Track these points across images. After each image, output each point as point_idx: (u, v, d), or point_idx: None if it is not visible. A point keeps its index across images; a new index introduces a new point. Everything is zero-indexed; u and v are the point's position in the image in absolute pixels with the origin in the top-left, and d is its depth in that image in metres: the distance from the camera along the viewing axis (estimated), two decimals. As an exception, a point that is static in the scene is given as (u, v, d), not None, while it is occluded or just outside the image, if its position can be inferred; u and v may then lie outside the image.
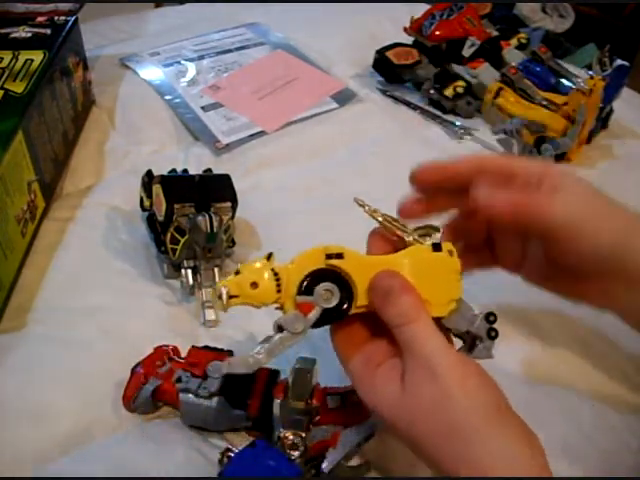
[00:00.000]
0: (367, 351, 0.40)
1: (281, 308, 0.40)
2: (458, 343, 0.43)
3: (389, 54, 0.92)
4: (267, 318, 0.59)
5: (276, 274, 0.39)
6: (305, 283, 0.39)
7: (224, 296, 0.38)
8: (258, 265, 0.40)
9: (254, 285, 0.39)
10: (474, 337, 0.42)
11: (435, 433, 0.36)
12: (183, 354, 0.50)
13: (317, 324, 0.40)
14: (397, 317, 0.38)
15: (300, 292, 0.39)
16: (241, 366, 0.39)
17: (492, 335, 0.42)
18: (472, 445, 0.35)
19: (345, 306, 0.40)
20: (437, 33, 0.91)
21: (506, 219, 0.42)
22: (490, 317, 0.42)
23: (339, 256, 0.40)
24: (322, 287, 0.39)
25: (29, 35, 0.72)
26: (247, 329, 0.58)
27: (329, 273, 0.40)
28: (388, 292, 0.39)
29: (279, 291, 0.40)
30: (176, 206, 0.58)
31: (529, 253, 0.45)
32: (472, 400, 0.36)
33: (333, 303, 0.39)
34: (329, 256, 0.40)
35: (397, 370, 0.38)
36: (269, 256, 0.40)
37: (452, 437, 0.35)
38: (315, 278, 0.39)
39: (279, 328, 0.40)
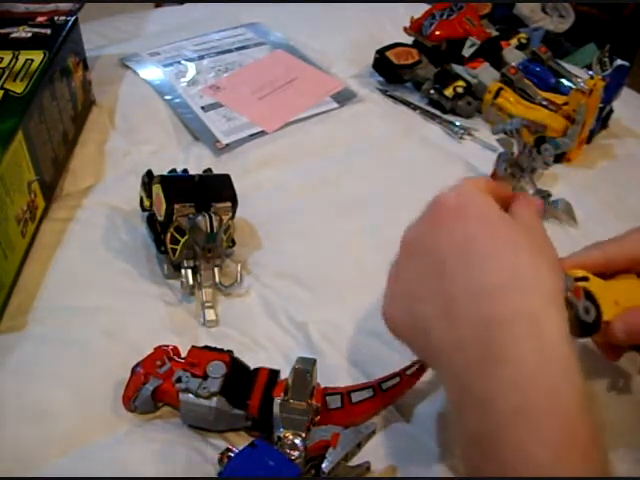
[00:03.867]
0: None
1: None
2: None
3: (389, 54, 0.92)
4: (267, 318, 0.59)
5: None
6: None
7: None
8: None
9: None
10: None
11: None
12: (183, 354, 0.50)
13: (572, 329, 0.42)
14: None
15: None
16: None
17: None
18: None
19: (597, 323, 0.43)
20: (437, 33, 0.91)
21: None
22: None
23: (586, 279, 0.44)
24: (583, 304, 0.43)
25: (29, 35, 0.72)
26: (247, 329, 0.58)
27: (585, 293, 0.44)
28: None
29: None
30: (176, 206, 0.58)
31: None
32: None
33: (590, 319, 0.43)
34: (578, 279, 0.44)
35: None
36: None
37: None
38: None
39: None
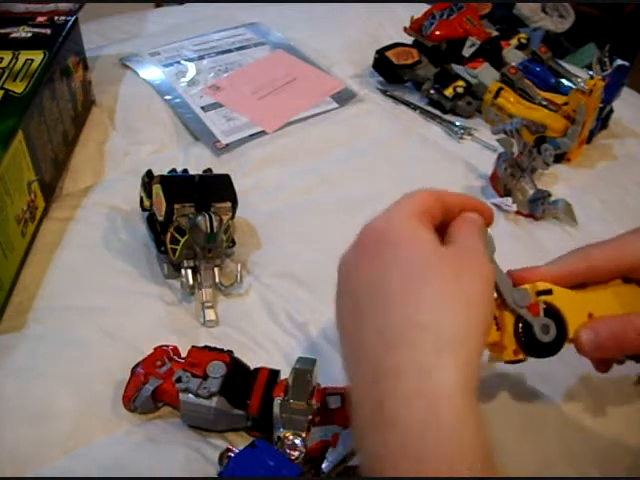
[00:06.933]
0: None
1: (501, 347, 0.40)
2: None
3: (389, 54, 0.92)
4: (267, 318, 0.59)
5: (494, 317, 0.40)
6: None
7: None
8: None
9: None
10: None
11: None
12: (183, 354, 0.50)
13: (525, 348, 0.40)
14: None
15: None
16: None
17: None
18: None
19: (558, 343, 0.40)
20: (437, 33, 0.91)
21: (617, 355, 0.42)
22: None
23: (548, 292, 0.40)
24: (541, 321, 0.40)
25: (29, 35, 0.72)
26: (247, 329, 0.58)
27: (544, 309, 0.40)
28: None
29: (498, 329, 0.40)
30: (176, 206, 0.58)
31: None
32: None
33: (548, 339, 0.40)
34: (539, 293, 0.40)
35: None
36: None
37: None
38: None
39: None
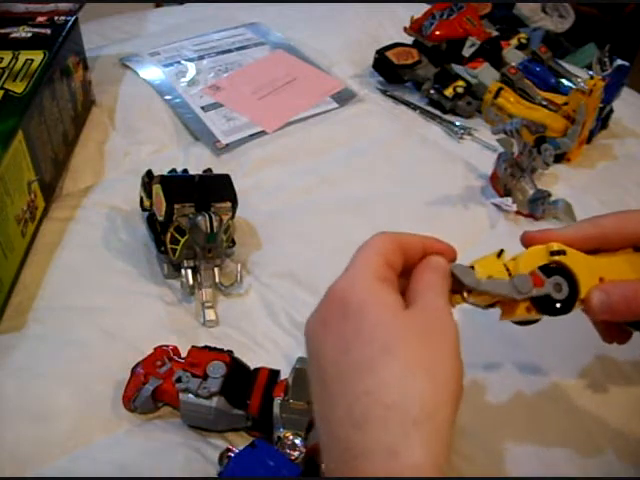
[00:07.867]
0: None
1: (513, 305, 0.41)
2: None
3: (389, 54, 0.92)
4: (267, 318, 0.59)
5: (507, 269, 0.40)
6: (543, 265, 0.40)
7: (464, 292, 0.39)
8: (491, 261, 0.40)
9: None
10: None
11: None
12: (183, 354, 0.50)
13: (538, 305, 0.40)
14: None
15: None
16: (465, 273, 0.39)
17: None
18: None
19: (570, 302, 0.40)
20: (437, 33, 0.91)
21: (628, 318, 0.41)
22: None
23: (562, 253, 0.41)
24: (553, 279, 0.40)
25: (29, 35, 0.72)
26: (247, 329, 0.58)
27: (557, 269, 0.40)
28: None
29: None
30: (176, 206, 0.58)
31: None
32: None
33: (561, 297, 0.40)
34: (553, 253, 0.41)
35: None
36: (500, 253, 0.41)
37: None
38: (545, 272, 0.40)
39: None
